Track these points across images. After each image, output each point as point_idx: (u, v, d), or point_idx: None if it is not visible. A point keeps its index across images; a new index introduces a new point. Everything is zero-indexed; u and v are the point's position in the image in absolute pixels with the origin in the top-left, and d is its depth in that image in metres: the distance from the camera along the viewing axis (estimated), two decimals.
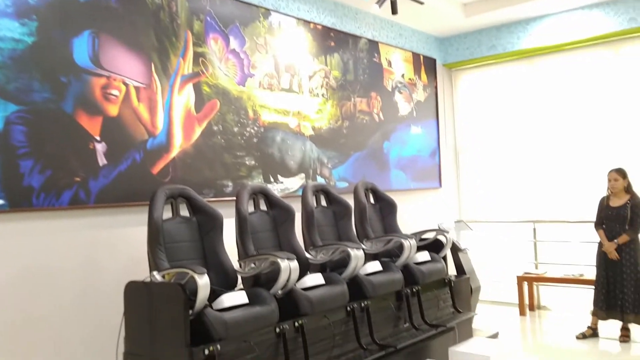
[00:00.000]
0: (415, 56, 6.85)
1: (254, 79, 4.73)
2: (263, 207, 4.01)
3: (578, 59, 6.54)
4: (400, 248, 4.29)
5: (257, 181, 4.67)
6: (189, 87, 4.19)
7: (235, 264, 3.56)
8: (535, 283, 6.45)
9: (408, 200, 6.47)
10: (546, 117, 6.80)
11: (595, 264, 5.27)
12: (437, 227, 5.06)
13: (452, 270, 5.31)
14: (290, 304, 3.34)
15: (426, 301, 4.34)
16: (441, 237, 4.79)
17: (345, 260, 3.83)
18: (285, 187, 4.95)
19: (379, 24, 6.31)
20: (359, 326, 3.71)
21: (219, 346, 2.82)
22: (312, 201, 4.32)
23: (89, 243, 3.56)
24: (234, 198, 3.85)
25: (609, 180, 5.18)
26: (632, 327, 5.16)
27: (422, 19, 6.53)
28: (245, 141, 4.61)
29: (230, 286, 3.42)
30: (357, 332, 3.69)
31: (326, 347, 3.48)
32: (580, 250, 6.13)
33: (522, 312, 6.27)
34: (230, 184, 4.45)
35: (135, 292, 3.08)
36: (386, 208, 4.99)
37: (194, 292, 2.84)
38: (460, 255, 5.57)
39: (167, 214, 3.39)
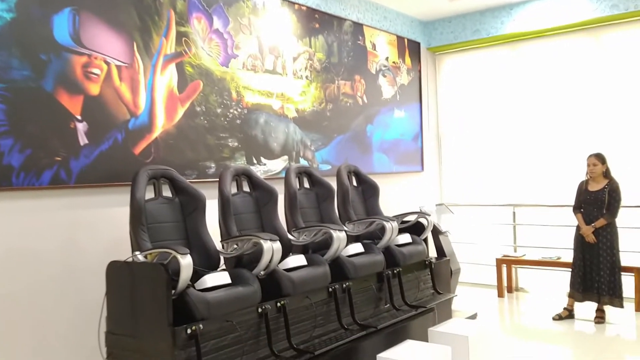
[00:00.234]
0: (400, 39, 6.85)
1: (238, 59, 4.70)
2: (246, 188, 4.02)
3: (560, 45, 6.59)
4: (382, 230, 4.33)
5: (240, 163, 4.66)
6: (172, 67, 4.16)
7: (218, 245, 3.57)
8: (513, 265, 6.56)
9: (390, 183, 6.51)
10: (527, 102, 6.87)
11: (572, 247, 5.37)
12: (418, 210, 5.12)
13: (432, 253, 5.38)
14: (273, 284, 3.37)
15: (407, 282, 4.40)
16: (422, 220, 4.84)
17: (327, 242, 3.86)
18: (268, 169, 4.95)
19: (364, 6, 6.29)
20: (341, 307, 3.75)
21: (201, 326, 2.84)
22: (295, 183, 4.33)
23: (70, 223, 3.54)
24: (217, 179, 3.85)
25: (588, 165, 5.25)
26: (607, 309, 5.28)
27: (407, 2, 6.52)
28: (229, 122, 4.59)
29: (213, 267, 3.43)
30: (338, 313, 3.73)
31: (308, 327, 3.52)
32: (558, 233, 6.24)
33: (500, 294, 6.38)
34: (213, 165, 4.44)
35: (117, 272, 3.08)
36: (368, 191, 5.02)
37: (177, 273, 2.84)
38: (441, 237, 5.64)
39: (149, 194, 3.38)
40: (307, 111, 5.41)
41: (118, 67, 3.78)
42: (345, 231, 3.95)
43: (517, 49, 6.93)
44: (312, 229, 4.00)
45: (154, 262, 3.01)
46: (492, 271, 6.56)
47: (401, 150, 6.81)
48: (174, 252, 2.90)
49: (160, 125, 4.05)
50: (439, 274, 4.90)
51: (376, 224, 4.41)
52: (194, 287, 2.98)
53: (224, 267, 3.60)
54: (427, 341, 4.04)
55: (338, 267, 3.86)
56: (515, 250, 6.82)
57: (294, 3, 5.31)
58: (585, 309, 5.41)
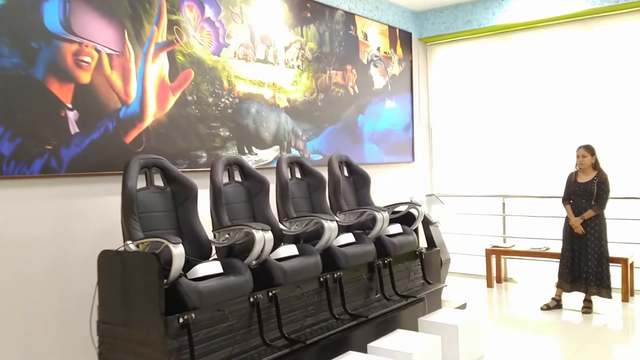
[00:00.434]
0: (391, 29, 6.84)
1: (229, 49, 4.68)
2: (238, 178, 4.01)
3: (552, 36, 6.61)
4: (373, 220, 4.35)
5: (232, 152, 4.65)
6: (163, 55, 4.13)
7: (210, 235, 3.57)
8: (502, 256, 6.62)
9: (381, 174, 6.53)
10: (518, 93, 6.90)
11: (561, 238, 5.42)
12: (409, 201, 5.14)
13: (423, 243, 5.42)
14: (264, 274, 3.38)
15: (397, 272, 4.43)
16: (413, 211, 4.86)
17: (318, 232, 3.87)
18: (259, 158, 4.95)
19: None
20: (332, 296, 3.77)
21: (193, 315, 2.85)
22: (287, 173, 4.34)
23: (61, 212, 3.53)
24: (209, 169, 3.84)
25: (578, 157, 5.30)
26: (595, 299, 5.35)
27: None
28: (220, 112, 4.58)
29: (205, 256, 3.43)
30: (329, 302, 3.75)
31: (299, 316, 3.54)
32: (547, 224, 6.29)
33: (489, 284, 6.44)
34: (204, 154, 4.43)
35: (109, 261, 3.07)
36: (360, 181, 5.04)
37: (169, 262, 2.84)
38: (432, 228, 5.68)
39: (141, 183, 3.37)
40: (298, 101, 5.40)
41: (109, 55, 3.76)
42: (337, 221, 3.96)
43: (509, 40, 6.95)
44: (303, 219, 4.01)
45: (146, 252, 3.00)
46: (482, 261, 6.62)
47: (392, 140, 6.83)
48: (166, 242, 2.89)
49: (152, 114, 4.03)
50: (429, 264, 4.93)
51: (367, 214, 4.43)
52: (186, 277, 2.98)
53: (215, 256, 3.61)
54: (417, 331, 4.08)
55: (329, 257, 3.87)
56: (504, 241, 6.87)
57: None
58: (573, 299, 5.48)
